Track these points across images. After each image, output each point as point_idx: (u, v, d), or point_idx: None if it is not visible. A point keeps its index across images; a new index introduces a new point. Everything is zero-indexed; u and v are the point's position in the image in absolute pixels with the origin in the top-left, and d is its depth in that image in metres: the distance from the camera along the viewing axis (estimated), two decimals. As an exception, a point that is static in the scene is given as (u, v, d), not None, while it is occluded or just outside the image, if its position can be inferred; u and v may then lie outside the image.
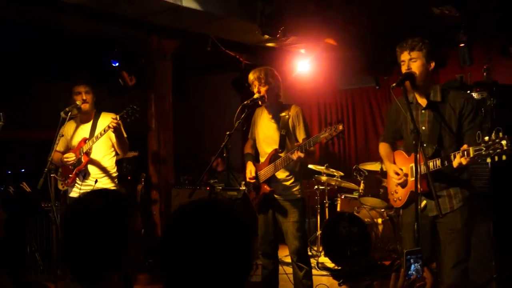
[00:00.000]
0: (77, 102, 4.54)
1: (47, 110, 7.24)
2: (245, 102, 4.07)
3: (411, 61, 3.26)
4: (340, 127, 3.64)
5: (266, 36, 5.82)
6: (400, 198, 3.52)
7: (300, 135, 4.07)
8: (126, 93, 6.91)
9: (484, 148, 2.86)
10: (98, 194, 1.75)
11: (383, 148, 3.83)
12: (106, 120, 4.55)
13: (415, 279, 1.75)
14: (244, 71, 7.58)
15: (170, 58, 6.65)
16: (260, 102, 4.13)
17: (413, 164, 3.12)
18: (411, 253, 1.77)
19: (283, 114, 4.13)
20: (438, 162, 3.12)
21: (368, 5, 5.94)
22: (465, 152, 2.96)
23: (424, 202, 3.29)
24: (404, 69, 3.30)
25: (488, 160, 2.87)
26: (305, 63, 8.08)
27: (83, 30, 6.13)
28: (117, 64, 6.87)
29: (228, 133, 3.91)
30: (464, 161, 2.96)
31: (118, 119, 4.32)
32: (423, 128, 3.31)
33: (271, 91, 4.09)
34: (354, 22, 6.62)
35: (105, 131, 4.41)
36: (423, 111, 3.34)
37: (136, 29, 6.02)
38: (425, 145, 3.16)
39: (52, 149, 4.37)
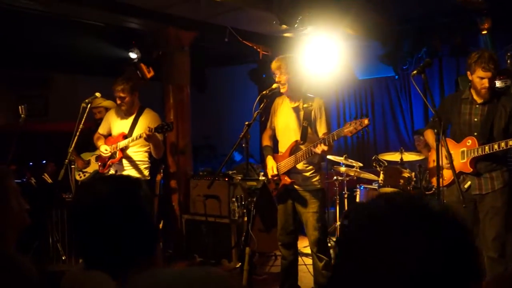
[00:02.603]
0: (96, 94, 4.64)
1: (66, 102, 7.32)
2: (263, 92, 4.04)
3: (490, 79, 3.69)
4: (366, 121, 3.60)
5: (284, 26, 5.78)
6: (444, 178, 3.89)
7: (321, 129, 4.02)
8: (145, 85, 6.93)
9: None
10: (105, 179, 1.71)
11: (432, 134, 4.08)
12: (146, 119, 4.76)
13: None
14: (261, 62, 7.56)
15: (187, 50, 6.64)
16: (280, 91, 4.09)
17: (463, 149, 3.80)
18: None
19: (306, 105, 4.08)
20: (496, 145, 3.61)
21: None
22: None
23: (468, 183, 3.81)
24: (484, 84, 3.71)
25: None
26: (323, 53, 8.01)
27: (101, 22, 6.15)
28: (135, 56, 6.88)
29: (247, 123, 3.88)
30: None
31: (152, 131, 4.44)
32: (475, 119, 3.82)
33: (292, 80, 4.04)
34: (372, 11, 6.56)
35: (140, 136, 4.59)
36: (477, 106, 3.83)
37: (154, 20, 6.03)
38: (475, 134, 3.77)
39: (72, 141, 4.45)
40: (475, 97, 3.85)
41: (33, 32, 6.38)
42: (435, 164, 3.98)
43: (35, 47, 6.92)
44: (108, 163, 4.87)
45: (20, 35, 6.40)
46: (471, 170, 3.76)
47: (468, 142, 3.79)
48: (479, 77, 3.70)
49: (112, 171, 4.88)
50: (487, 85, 3.70)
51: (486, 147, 3.65)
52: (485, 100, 3.79)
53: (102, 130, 5.05)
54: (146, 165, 4.89)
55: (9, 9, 5.16)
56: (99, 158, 5.11)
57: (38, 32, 6.37)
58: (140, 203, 1.60)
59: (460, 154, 3.86)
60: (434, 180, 4.07)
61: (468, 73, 3.78)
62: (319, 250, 4.13)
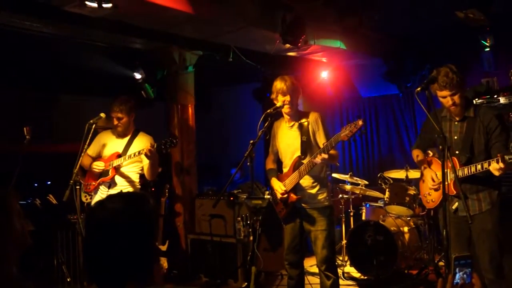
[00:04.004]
0: (101, 114, 4.65)
1: (70, 123, 7.34)
2: (268, 111, 4.06)
3: (452, 96, 3.54)
4: (360, 122, 3.61)
5: (288, 45, 5.81)
6: (433, 200, 3.85)
7: (321, 140, 4.06)
8: (149, 105, 6.96)
9: None
10: (119, 197, 1.71)
11: (418, 153, 4.05)
12: (141, 141, 4.74)
13: (463, 284, 1.70)
14: (265, 81, 7.59)
15: (192, 69, 6.69)
16: (283, 111, 4.13)
17: (447, 170, 3.45)
18: (459, 258, 1.72)
19: (302, 121, 4.14)
20: (473, 168, 3.44)
21: (389, 11, 5.90)
22: (501, 158, 3.23)
23: (456, 204, 3.66)
24: (449, 103, 3.56)
25: None
26: (327, 72, 8.06)
27: (106, 43, 6.21)
28: (139, 76, 6.93)
29: (251, 142, 3.89)
30: (503, 165, 3.24)
31: (154, 147, 4.43)
32: (455, 137, 3.66)
33: (294, 100, 4.11)
34: (374, 29, 6.60)
35: (139, 153, 4.56)
36: (456, 123, 3.69)
37: (158, 40, 6.08)
38: (457, 152, 3.58)
39: (77, 162, 4.45)
40: (452, 114, 3.71)
41: (38, 53, 6.44)
42: (423, 184, 3.95)
43: (40, 67, 6.98)
44: (98, 181, 4.78)
45: (25, 56, 6.46)
46: (455, 192, 3.55)
47: (450, 163, 3.48)
48: (441, 97, 3.58)
49: (101, 191, 4.78)
50: (450, 102, 3.55)
51: (465, 169, 3.49)
52: (464, 116, 3.64)
53: (91, 151, 4.88)
54: (137, 187, 4.83)
55: (14, 31, 5.21)
56: (88, 176, 4.95)
57: (42, 53, 6.43)
58: (149, 219, 1.64)
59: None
60: (423, 200, 4.01)
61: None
62: (327, 269, 4.11)
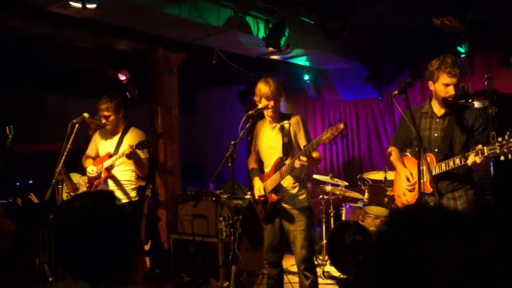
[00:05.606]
0: (84, 114, 4.69)
1: (55, 123, 7.35)
2: (249, 112, 4.12)
3: (456, 86, 3.41)
4: (341, 126, 3.60)
5: (270, 49, 5.89)
6: (408, 200, 3.73)
7: (301, 142, 4.12)
8: (133, 106, 6.99)
9: (498, 147, 3.08)
10: (86, 195, 1.75)
11: (394, 152, 3.97)
12: (131, 137, 4.78)
13: None
14: (249, 84, 7.67)
15: (176, 71, 6.74)
16: (266, 114, 4.20)
17: (423, 167, 3.32)
18: None
19: (283, 123, 4.20)
20: (451, 162, 3.33)
21: (370, 16, 6.02)
22: (480, 151, 3.16)
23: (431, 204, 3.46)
24: (450, 92, 3.41)
25: (502, 158, 3.08)
26: (309, 75, 8.18)
27: (91, 44, 6.24)
28: (124, 78, 6.96)
29: (233, 142, 3.95)
30: (478, 159, 3.17)
31: (133, 148, 4.48)
32: (436, 134, 3.54)
33: (277, 104, 4.18)
34: (356, 34, 6.72)
35: (123, 154, 4.60)
36: (437, 119, 3.57)
37: (143, 42, 6.12)
38: (436, 150, 3.47)
39: (59, 161, 4.48)
40: (435, 110, 3.60)
41: (23, 53, 6.44)
42: (398, 183, 3.87)
43: (25, 67, 6.98)
44: (95, 183, 4.86)
45: (9, 56, 6.46)
46: (431, 190, 3.41)
47: (425, 163, 3.35)
48: (444, 84, 3.40)
49: None
50: (453, 92, 3.40)
51: (443, 164, 3.38)
52: (447, 112, 3.54)
53: (89, 152, 5.05)
54: (133, 186, 4.87)
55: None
56: (87, 179, 5.09)
57: (27, 52, 6.43)
58: (114, 216, 1.65)
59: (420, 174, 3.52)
60: (398, 200, 3.91)
61: (430, 82, 3.50)
62: (305, 268, 4.16)
